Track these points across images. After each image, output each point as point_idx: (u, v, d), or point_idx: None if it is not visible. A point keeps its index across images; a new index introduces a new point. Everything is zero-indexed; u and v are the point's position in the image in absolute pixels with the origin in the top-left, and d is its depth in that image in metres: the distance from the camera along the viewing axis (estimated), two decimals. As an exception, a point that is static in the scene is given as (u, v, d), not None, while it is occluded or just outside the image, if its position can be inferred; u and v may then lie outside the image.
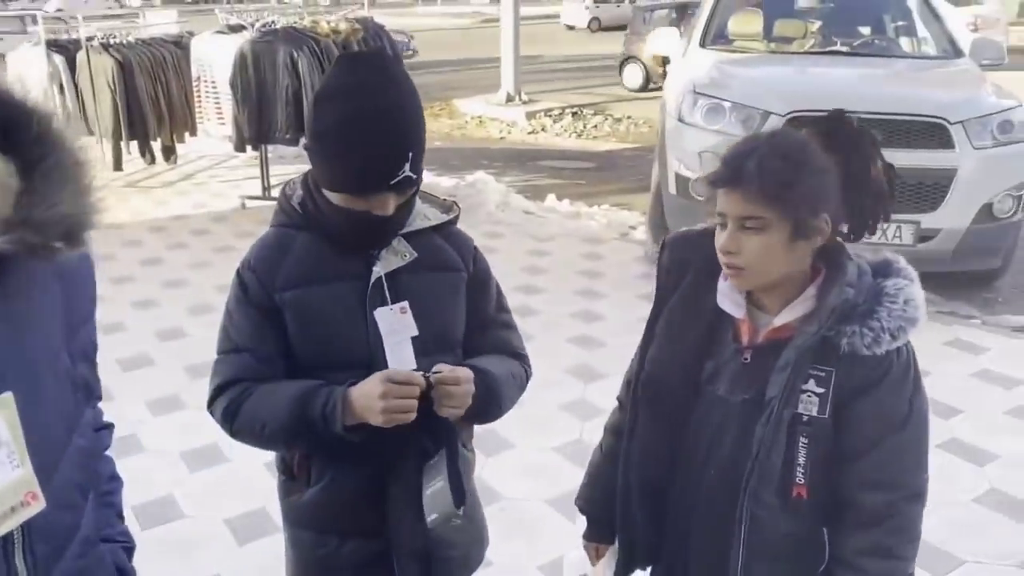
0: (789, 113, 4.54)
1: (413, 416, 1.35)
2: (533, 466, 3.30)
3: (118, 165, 7.41)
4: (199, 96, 6.78)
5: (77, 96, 7.22)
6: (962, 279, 4.97)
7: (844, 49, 5.80)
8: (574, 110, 12.16)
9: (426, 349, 1.47)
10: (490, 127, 11.60)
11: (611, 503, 1.57)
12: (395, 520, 1.50)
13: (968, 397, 3.84)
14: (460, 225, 1.62)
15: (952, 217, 4.43)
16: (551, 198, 7.20)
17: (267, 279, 1.46)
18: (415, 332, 1.47)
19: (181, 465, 3.30)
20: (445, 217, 1.57)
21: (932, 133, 4.40)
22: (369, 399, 1.34)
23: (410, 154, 1.37)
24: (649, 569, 1.62)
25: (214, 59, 6.53)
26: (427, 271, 1.51)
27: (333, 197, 1.43)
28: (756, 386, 1.37)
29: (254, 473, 3.20)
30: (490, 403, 1.48)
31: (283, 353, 1.47)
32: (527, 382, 1.64)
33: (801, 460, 1.33)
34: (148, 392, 3.89)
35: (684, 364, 1.44)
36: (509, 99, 12.58)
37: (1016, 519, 2.99)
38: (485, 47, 17.76)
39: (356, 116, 1.35)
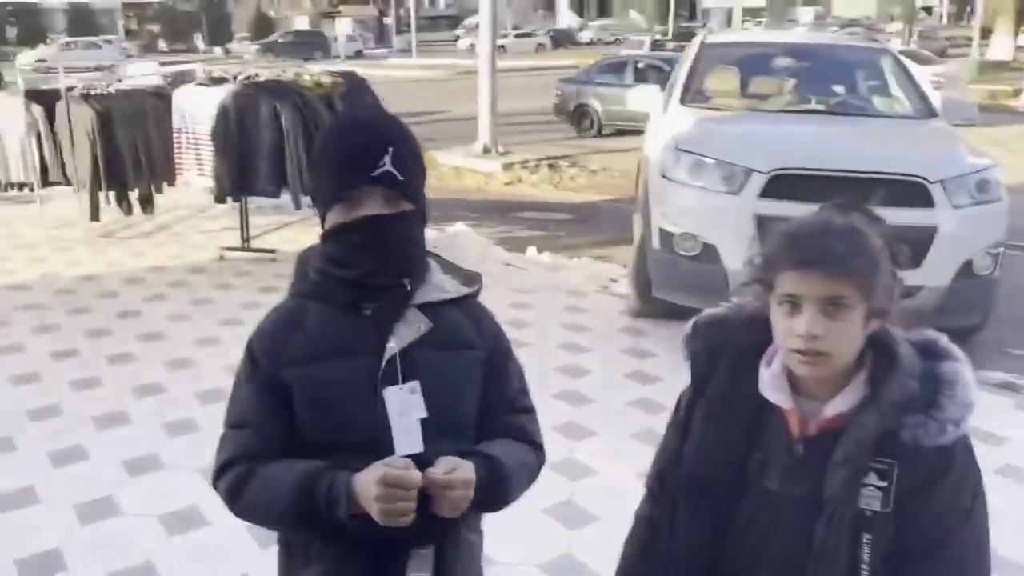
0: (772, 170, 4.61)
1: (411, 519, 1.29)
2: (522, 529, 3.23)
3: (95, 215, 7.33)
4: (180, 147, 6.75)
5: (55, 146, 7.16)
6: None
7: (820, 107, 5.93)
8: (550, 162, 12.28)
9: (435, 430, 1.42)
10: (467, 178, 11.66)
11: None
12: None
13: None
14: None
15: (934, 274, 4.49)
16: (531, 250, 7.22)
17: (275, 353, 1.43)
18: (424, 414, 1.41)
19: (160, 529, 3.19)
20: (466, 290, 1.53)
21: (912, 192, 4.48)
22: (367, 493, 1.29)
23: (390, 148, 1.40)
24: None
25: (196, 110, 6.52)
26: (441, 349, 1.45)
27: (329, 221, 1.44)
28: (812, 480, 1.30)
29: (236, 537, 3.10)
30: (496, 494, 1.42)
31: (289, 431, 1.42)
32: (539, 472, 1.57)
33: (866, 558, 1.27)
34: (125, 452, 3.77)
35: (730, 457, 1.37)
36: (486, 151, 12.69)
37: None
38: (460, 99, 17.95)
39: (336, 128, 1.50)
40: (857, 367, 1.31)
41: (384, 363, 1.40)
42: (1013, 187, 5.39)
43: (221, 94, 6.34)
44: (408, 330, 1.43)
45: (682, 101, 5.85)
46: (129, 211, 7.59)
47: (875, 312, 1.26)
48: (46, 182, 7.30)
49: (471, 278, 1.57)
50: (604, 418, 4.14)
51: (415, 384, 1.41)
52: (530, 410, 1.59)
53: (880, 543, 1.27)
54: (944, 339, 1.33)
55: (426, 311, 1.46)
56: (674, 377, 4.71)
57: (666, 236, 4.95)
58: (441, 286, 1.50)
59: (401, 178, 1.40)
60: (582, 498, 3.44)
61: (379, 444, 1.39)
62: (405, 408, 1.40)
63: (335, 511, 1.31)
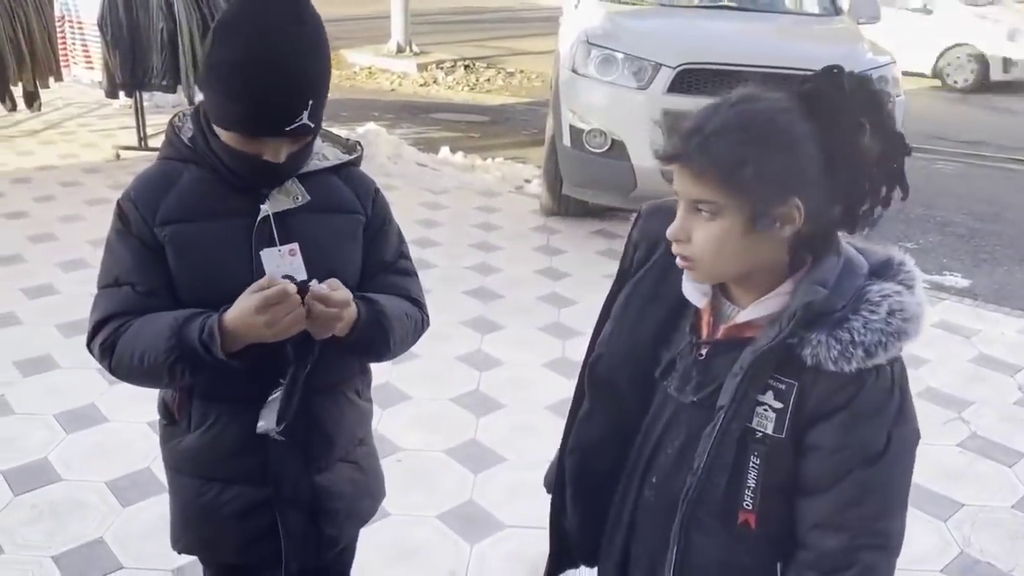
0: (680, 65, 4.60)
1: (303, 325, 1.29)
2: (430, 417, 3.28)
3: (-26, 111, 6.84)
4: (63, 37, 6.30)
5: (-76, 35, 6.58)
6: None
7: (732, 4, 5.91)
8: (466, 63, 11.99)
9: None
10: (380, 79, 11.31)
11: None
12: (277, 467, 1.45)
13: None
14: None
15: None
16: (444, 151, 7.11)
17: (148, 212, 1.37)
18: (304, 276, 1.39)
19: (56, 427, 3.11)
20: (346, 158, 1.51)
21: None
22: (247, 317, 1.27)
23: (310, 102, 1.30)
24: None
25: (79, -3, 6.07)
26: (321, 212, 1.44)
27: (223, 135, 1.34)
28: (709, 388, 1.19)
29: (135, 434, 3.05)
30: (377, 334, 1.42)
31: (167, 288, 1.38)
32: (423, 329, 1.58)
33: (751, 483, 1.15)
34: (17, 352, 3.63)
35: (637, 352, 1.27)
36: (400, 50, 12.28)
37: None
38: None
39: (256, 56, 1.26)
40: (790, 275, 1.16)
41: (256, 225, 1.37)
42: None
43: (105, -22, 5.89)
44: (285, 199, 1.40)
45: (594, -5, 5.74)
46: (13, 107, 7.11)
47: (763, 219, 1.08)
48: (-83, 75, 6.74)
49: (351, 147, 1.54)
50: (513, 312, 4.18)
51: (294, 246, 1.39)
52: (411, 273, 1.59)
53: (772, 471, 1.15)
54: (908, 262, 1.16)
55: (305, 180, 1.43)
56: (583, 273, 4.82)
57: (576, 133, 4.93)
58: (322, 153, 1.47)
59: (313, 126, 1.33)
60: (489, 387, 3.50)
61: None
62: (284, 269, 1.37)
63: (211, 351, 1.29)
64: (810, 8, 5.93)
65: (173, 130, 1.43)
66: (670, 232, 1.15)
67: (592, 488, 1.35)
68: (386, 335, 1.44)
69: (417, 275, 1.61)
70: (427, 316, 1.59)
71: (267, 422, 1.35)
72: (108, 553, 2.50)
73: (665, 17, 5.65)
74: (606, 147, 4.80)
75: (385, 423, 3.18)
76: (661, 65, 4.64)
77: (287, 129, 1.30)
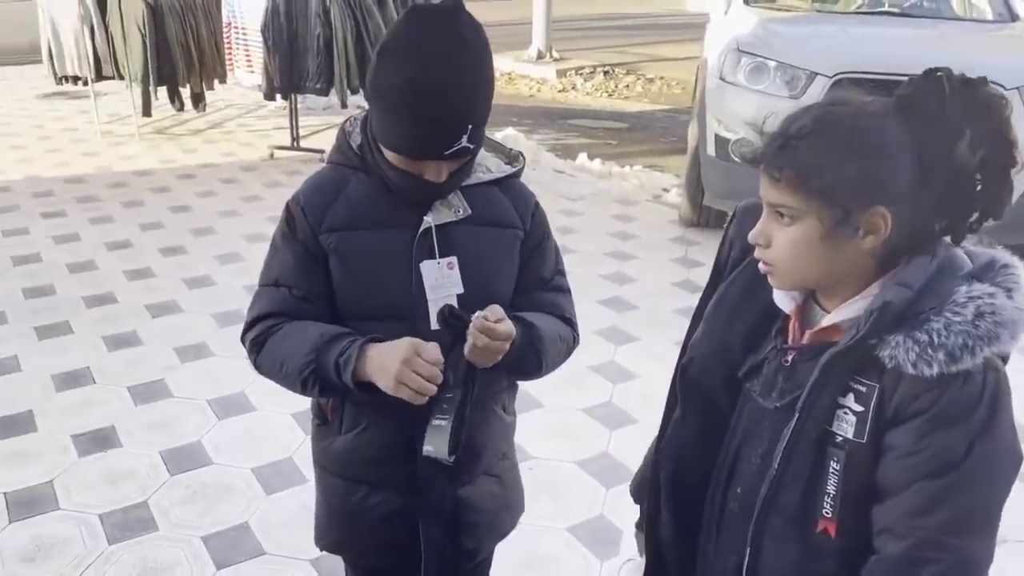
0: (837, 74, 4.39)
1: (424, 400, 1.29)
2: (562, 426, 3.26)
3: (147, 111, 7.37)
4: (229, 43, 6.70)
5: (107, 39, 7.14)
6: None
7: (894, 10, 5.60)
8: (606, 69, 11.93)
9: (471, 308, 1.38)
10: (519, 84, 11.42)
11: None
12: (423, 478, 1.46)
13: None
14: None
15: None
16: (582, 157, 7.08)
17: (315, 219, 1.40)
18: (460, 289, 1.40)
19: (209, 412, 3.28)
20: (508, 170, 1.49)
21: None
22: (387, 361, 1.27)
23: (470, 126, 1.29)
24: None
25: (244, 4, 6.43)
26: (481, 226, 1.43)
27: (387, 152, 1.36)
28: (793, 394, 1.13)
29: (281, 424, 3.18)
30: (530, 358, 1.41)
31: (325, 295, 1.41)
32: (574, 348, 1.56)
33: (830, 489, 1.09)
34: (177, 339, 3.87)
35: (727, 355, 1.23)
36: (539, 56, 12.37)
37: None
38: (512, 5, 17.45)
39: (418, 80, 1.25)
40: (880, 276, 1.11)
41: (419, 235, 1.38)
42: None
43: (271, -13, 6.21)
44: (447, 212, 1.41)
45: (745, 1, 5.57)
46: (181, 108, 7.62)
47: (843, 227, 1.04)
48: (100, 76, 7.32)
49: (514, 158, 1.52)
50: (648, 324, 4.10)
51: (452, 259, 1.40)
52: (565, 290, 1.57)
53: (853, 477, 1.08)
54: (1014, 264, 1.08)
55: (468, 191, 1.43)
56: (722, 287, 4.66)
57: (722, 142, 4.79)
58: (484, 165, 1.47)
59: (473, 147, 1.33)
60: (622, 399, 3.44)
61: (414, 317, 1.38)
62: (441, 283, 1.38)
63: (342, 375, 1.31)
64: (981, 14, 5.54)
65: (344, 136, 1.45)
66: (751, 236, 1.13)
67: (686, 496, 1.31)
68: (539, 358, 1.43)
69: (571, 292, 1.59)
70: (578, 335, 1.56)
71: (435, 448, 1.34)
72: (252, 538, 2.61)
73: (821, 24, 5.41)
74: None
75: (517, 429, 3.17)
76: (816, 74, 4.44)
77: (447, 153, 1.30)
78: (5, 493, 2.78)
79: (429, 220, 1.39)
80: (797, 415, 1.09)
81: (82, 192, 6.01)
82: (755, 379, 1.20)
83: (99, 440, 3.09)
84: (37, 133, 7.67)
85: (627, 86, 11.15)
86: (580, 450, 3.11)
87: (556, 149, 7.59)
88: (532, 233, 1.50)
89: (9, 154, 6.98)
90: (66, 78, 7.55)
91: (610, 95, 10.74)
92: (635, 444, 3.14)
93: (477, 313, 1.29)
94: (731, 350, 1.23)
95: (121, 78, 7.22)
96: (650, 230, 5.45)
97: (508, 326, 1.31)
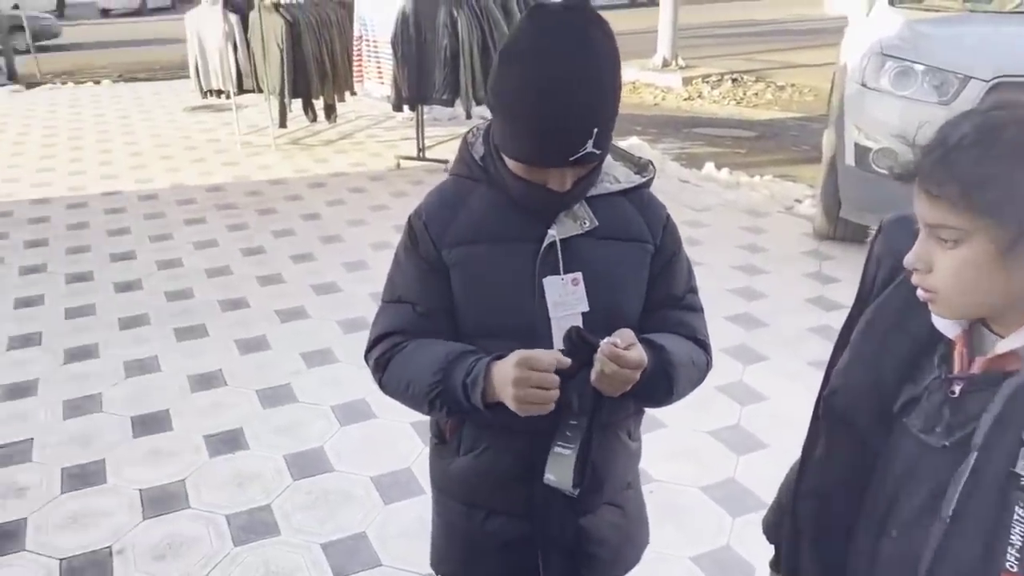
0: (994, 78, 4.06)
1: (550, 409, 1.21)
2: (687, 449, 3.12)
3: (283, 122, 7.67)
4: (359, 55, 6.88)
5: (249, 55, 7.49)
6: None
7: (1060, 8, 5.15)
8: (734, 76, 11.60)
9: (596, 327, 1.30)
10: (643, 93, 11.26)
11: None
12: (543, 506, 1.39)
13: None
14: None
15: None
16: (709, 166, 6.87)
17: (437, 233, 1.36)
18: (586, 307, 1.32)
19: (332, 418, 3.33)
20: (637, 180, 1.40)
21: None
22: (504, 381, 1.21)
23: (595, 130, 1.21)
24: None
25: (376, 17, 6.59)
26: (608, 240, 1.35)
27: (509, 161, 1.30)
28: (964, 431, 1.00)
29: (400, 433, 3.19)
30: (661, 386, 1.32)
31: (448, 311, 1.36)
32: (707, 372, 1.45)
33: (1015, 540, 0.94)
34: (304, 344, 3.96)
35: (879, 386, 1.11)
36: (665, 64, 12.17)
37: None
38: (640, 10, 17.27)
39: (538, 85, 1.18)
40: None
41: (543, 249, 1.31)
42: None
43: (401, 0, 6.34)
44: (572, 224, 1.33)
45: (890, 2, 5.25)
46: (314, 119, 7.90)
47: (1020, 246, 0.91)
48: (241, 90, 7.68)
49: (643, 167, 1.42)
50: (779, 343, 3.90)
51: (577, 276, 1.32)
52: (698, 309, 1.47)
53: None
54: None
55: (593, 203, 1.35)
56: (860, 304, 4.38)
57: (862, 152, 4.52)
58: (612, 175, 1.38)
59: (599, 153, 1.25)
60: (750, 422, 3.28)
61: (537, 335, 1.31)
62: (566, 300, 1.31)
63: (470, 396, 1.25)
64: None
65: (466, 147, 1.40)
66: (907, 260, 1.01)
67: (831, 539, 1.19)
68: (671, 385, 1.33)
69: (703, 311, 1.48)
70: (711, 358, 1.46)
71: (558, 478, 1.27)
72: (369, 548, 2.61)
73: (976, 24, 5.03)
74: (897, 168, 4.34)
75: (638, 450, 3.07)
76: (971, 78, 4.11)
77: (571, 159, 1.23)
78: (141, 490, 2.90)
79: (553, 233, 1.31)
80: (975, 454, 0.96)
81: (221, 200, 6.31)
82: (913, 413, 1.07)
83: (228, 441, 3.19)
84: (184, 144, 8.13)
85: (756, 93, 10.80)
86: (705, 474, 2.97)
87: (681, 158, 7.41)
88: (663, 247, 1.40)
89: (158, 163, 7.42)
90: (211, 91, 7.98)
91: (738, 103, 10.43)
92: (764, 470, 2.97)
93: (606, 339, 1.21)
94: (883, 380, 1.10)
95: (260, 91, 7.56)
96: (781, 243, 5.21)
97: (639, 353, 1.22)
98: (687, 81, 11.44)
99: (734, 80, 11.45)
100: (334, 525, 2.71)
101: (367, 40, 6.78)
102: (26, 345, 4.01)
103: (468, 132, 1.42)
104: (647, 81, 11.75)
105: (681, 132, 8.80)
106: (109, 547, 2.61)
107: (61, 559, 2.57)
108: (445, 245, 1.35)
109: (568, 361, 1.20)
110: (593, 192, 1.35)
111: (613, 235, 1.35)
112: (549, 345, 1.30)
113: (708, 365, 1.45)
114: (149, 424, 3.32)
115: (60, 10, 27.19)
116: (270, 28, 7.14)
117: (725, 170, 6.79)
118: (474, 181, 1.37)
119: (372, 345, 1.42)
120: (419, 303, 1.37)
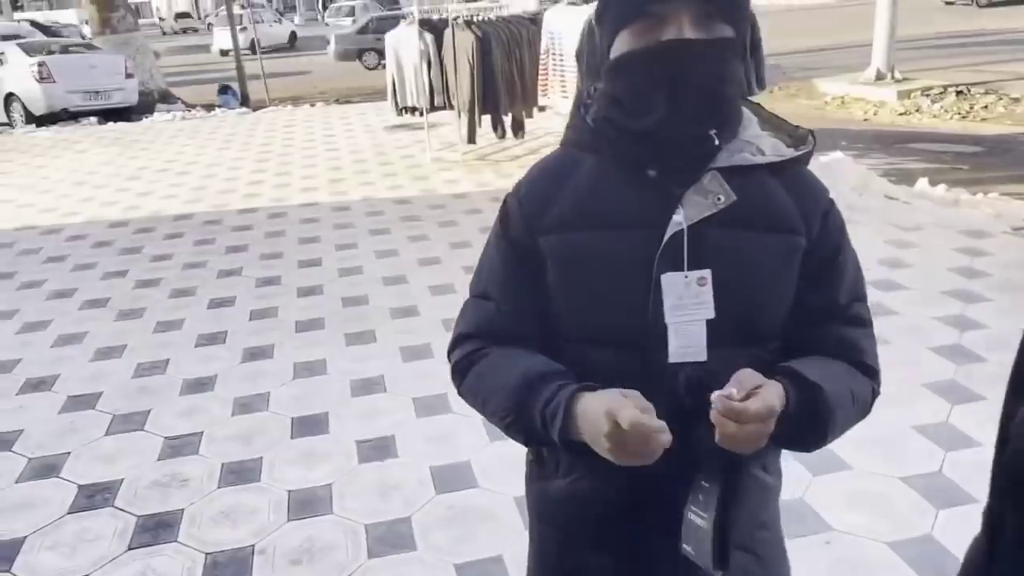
0: None
1: (654, 459, 0.97)
2: (874, 496, 2.70)
3: (471, 138, 7.78)
4: (545, 68, 6.84)
5: (441, 72, 7.68)
6: None
7: None
8: (959, 89, 10.51)
9: (723, 338, 1.06)
10: (853, 108, 10.46)
11: None
12: (650, 551, 1.15)
13: None
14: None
15: None
16: (922, 182, 6.18)
17: (534, 215, 1.14)
18: (710, 314, 1.06)
19: (483, 433, 3.21)
20: (790, 153, 1.11)
21: None
22: (595, 429, 0.99)
23: None
24: None
25: (563, 30, 6.53)
26: (747, 229, 1.07)
27: (617, 41, 1.07)
28: None
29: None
30: (809, 427, 1.04)
31: (535, 309, 1.15)
32: (871, 407, 1.16)
33: None
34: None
35: None
36: (879, 77, 11.26)
37: None
38: (855, 24, 16.19)
39: None
40: None
41: (665, 240, 1.06)
42: None
43: (589, 11, 6.22)
44: (703, 201, 1.06)
45: None
46: (503, 135, 7.97)
47: None
48: (433, 107, 7.89)
49: (801, 138, 1.13)
50: (997, 381, 3.33)
51: (705, 273, 1.06)
52: (867, 323, 1.16)
53: None
54: None
55: (731, 177, 1.07)
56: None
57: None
58: (756, 145, 1.10)
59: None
60: (955, 471, 2.80)
61: (648, 345, 1.07)
62: (686, 303, 1.06)
63: (549, 430, 1.04)
64: None
65: (578, 110, 1.19)
66: None
67: None
68: (823, 428, 1.05)
69: (872, 327, 1.18)
70: (879, 387, 1.16)
71: (696, 552, 1.05)
72: (504, 573, 2.44)
73: None
74: None
75: (813, 492, 2.70)
76: None
77: None
78: (289, 491, 2.90)
79: (680, 220, 1.05)
80: None
81: (407, 212, 6.45)
82: None
83: (379, 448, 3.15)
84: (379, 159, 8.47)
85: (985, 107, 9.73)
86: (896, 529, 2.54)
87: (890, 174, 6.74)
88: (820, 242, 1.11)
89: (355, 178, 7.75)
90: (406, 109, 8.26)
91: (963, 117, 9.43)
92: (968, 528, 2.50)
93: (717, 393, 0.96)
94: None
95: (451, 108, 7.72)
96: (1006, 268, 4.54)
97: (763, 404, 0.96)
98: (903, 95, 10.52)
99: (959, 93, 10.38)
100: (472, 546, 2.57)
101: (554, 54, 6.74)
102: (212, 343, 4.23)
103: (580, 93, 1.21)
104: (857, 95, 10.94)
105: (892, 147, 8.05)
106: (252, 546, 2.62)
107: (207, 553, 2.60)
108: (542, 230, 1.13)
109: (668, 439, 0.95)
110: (732, 162, 1.08)
111: (755, 222, 1.08)
112: (662, 357, 1.06)
113: (873, 395, 1.15)
114: (308, 426, 3.35)
115: (292, 42, 29.87)
116: (462, 44, 7.28)
117: (941, 186, 6.07)
118: (583, 151, 1.15)
119: (455, 344, 1.24)
120: (504, 302, 1.18)
